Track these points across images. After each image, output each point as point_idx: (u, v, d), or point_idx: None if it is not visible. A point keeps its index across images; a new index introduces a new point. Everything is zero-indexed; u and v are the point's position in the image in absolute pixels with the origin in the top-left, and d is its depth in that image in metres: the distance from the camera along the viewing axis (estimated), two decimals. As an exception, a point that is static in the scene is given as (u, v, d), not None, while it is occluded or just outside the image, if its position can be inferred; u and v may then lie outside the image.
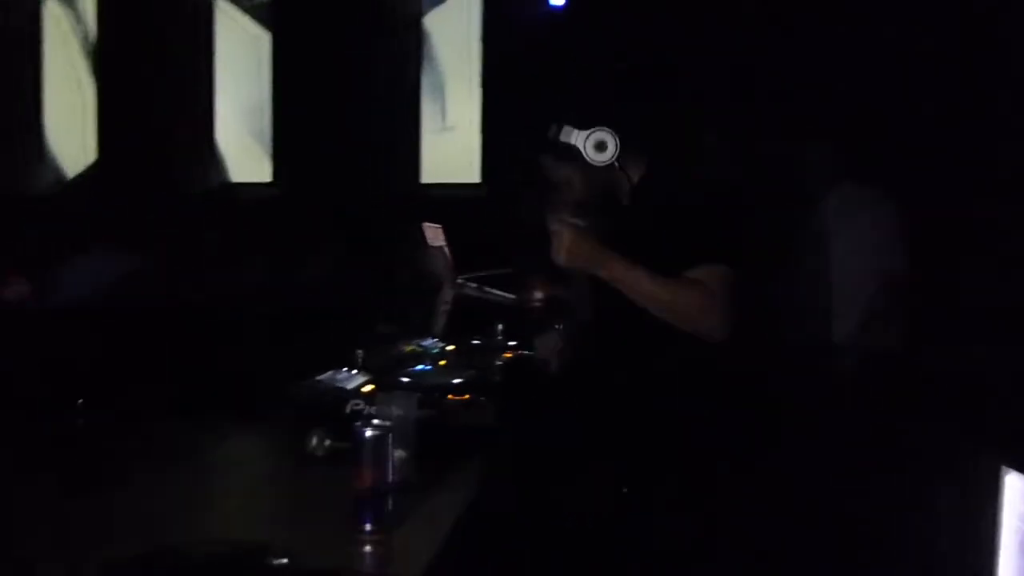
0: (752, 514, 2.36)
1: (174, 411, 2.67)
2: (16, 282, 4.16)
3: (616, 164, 2.35)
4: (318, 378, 2.47)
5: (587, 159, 2.34)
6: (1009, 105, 5.12)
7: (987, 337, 4.89)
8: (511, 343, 3.41)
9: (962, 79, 5.22)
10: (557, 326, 2.80)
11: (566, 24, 6.07)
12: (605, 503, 2.30)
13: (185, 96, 7.35)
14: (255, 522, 1.83)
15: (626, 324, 2.30)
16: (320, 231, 6.20)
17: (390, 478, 1.70)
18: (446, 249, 3.46)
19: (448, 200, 6.64)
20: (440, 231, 3.44)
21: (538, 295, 2.76)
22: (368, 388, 2.40)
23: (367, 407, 2.12)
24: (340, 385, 2.42)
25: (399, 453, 1.82)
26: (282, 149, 7.36)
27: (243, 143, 7.56)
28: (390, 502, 1.70)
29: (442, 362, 3.07)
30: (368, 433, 1.68)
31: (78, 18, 7.71)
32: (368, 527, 1.66)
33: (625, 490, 2.28)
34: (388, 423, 1.74)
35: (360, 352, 2.74)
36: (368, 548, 1.65)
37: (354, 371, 2.56)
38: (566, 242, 2.28)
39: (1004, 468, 1.20)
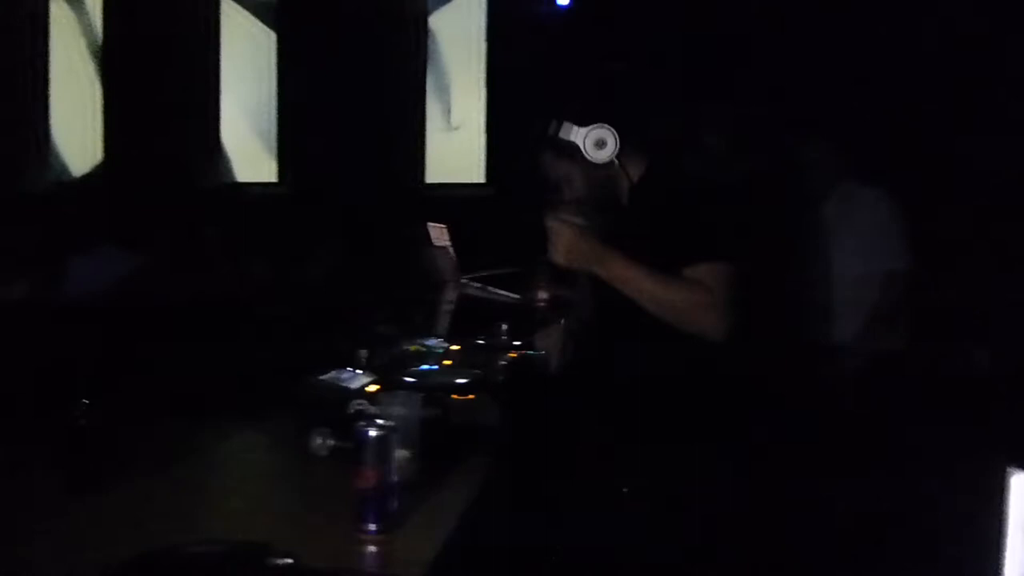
0: (753, 514, 2.36)
1: (176, 410, 2.67)
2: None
3: (616, 162, 2.34)
4: (322, 377, 2.47)
5: (586, 156, 2.33)
6: (1011, 104, 5.11)
7: (991, 336, 4.88)
8: (515, 343, 3.41)
9: (963, 78, 5.21)
10: (559, 322, 2.79)
11: (572, 24, 6.07)
12: (604, 503, 2.29)
13: (191, 96, 7.36)
14: (257, 522, 1.82)
15: (626, 323, 2.29)
16: (324, 231, 6.21)
17: (393, 478, 1.70)
18: (450, 249, 3.46)
19: (453, 200, 6.64)
20: (445, 231, 3.44)
21: (542, 295, 2.76)
22: (372, 388, 2.39)
23: (370, 407, 2.12)
24: (344, 385, 2.41)
25: (402, 453, 1.82)
26: (287, 149, 7.37)
27: (248, 143, 7.56)
28: (393, 502, 1.70)
29: (446, 362, 3.07)
30: (371, 433, 1.68)
31: (84, 17, 7.72)
32: (371, 527, 1.66)
33: (625, 490, 2.27)
34: (391, 423, 1.74)
35: (364, 352, 2.74)
36: (371, 548, 1.65)
37: (358, 371, 2.56)
38: (564, 240, 2.27)
39: (1010, 468, 1.19)
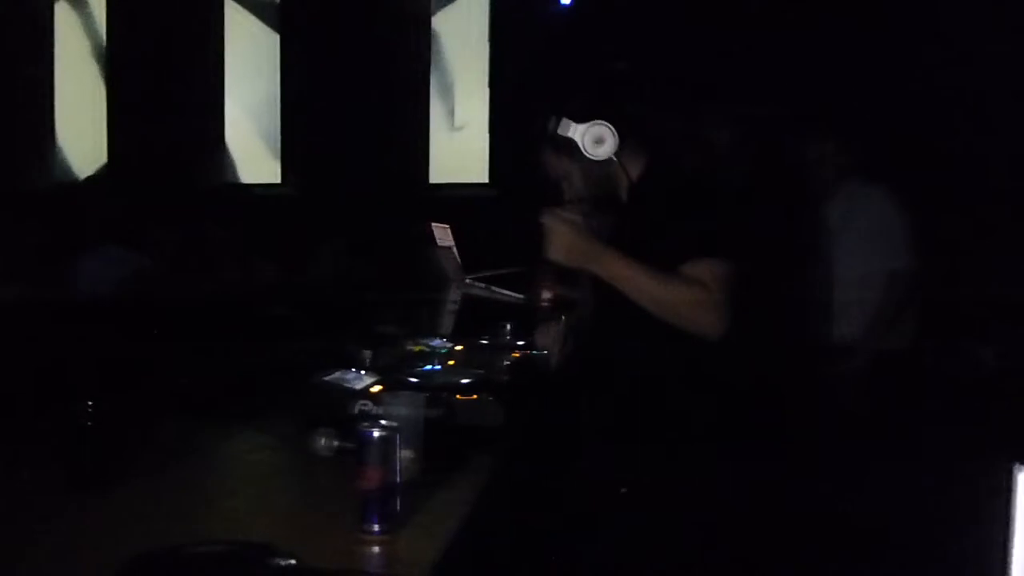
0: (754, 514, 2.35)
1: (180, 410, 2.67)
2: None
3: (615, 159, 2.33)
4: (326, 378, 2.47)
5: (585, 153, 2.32)
6: (1013, 104, 5.11)
7: (996, 334, 4.87)
8: (519, 343, 3.40)
9: (965, 78, 5.21)
10: (558, 319, 2.78)
11: (575, 23, 6.07)
12: (604, 503, 2.28)
13: (194, 96, 7.37)
14: (261, 522, 1.82)
15: (625, 322, 2.28)
16: (328, 231, 6.21)
17: (397, 478, 1.70)
18: (454, 249, 3.45)
19: (456, 200, 6.64)
20: (448, 231, 3.43)
21: (546, 295, 2.75)
22: (376, 388, 2.39)
23: (374, 407, 2.11)
24: (348, 385, 2.41)
25: (406, 453, 1.82)
26: (290, 149, 7.37)
27: (252, 143, 7.57)
28: (396, 502, 1.70)
29: (450, 362, 3.06)
30: (375, 433, 1.67)
31: (88, 19, 7.73)
32: (375, 527, 1.66)
33: (624, 490, 2.26)
34: (395, 423, 1.74)
35: (368, 352, 2.73)
36: (374, 548, 1.65)
37: (362, 371, 2.55)
38: (559, 238, 2.25)
39: (1017, 465, 1.19)
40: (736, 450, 2.25)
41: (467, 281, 3.35)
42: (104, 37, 7.65)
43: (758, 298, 2.39)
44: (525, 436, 2.50)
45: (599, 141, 2.30)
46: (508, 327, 3.60)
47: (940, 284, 3.96)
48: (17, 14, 7.43)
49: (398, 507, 1.70)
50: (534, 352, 3.06)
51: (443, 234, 3.42)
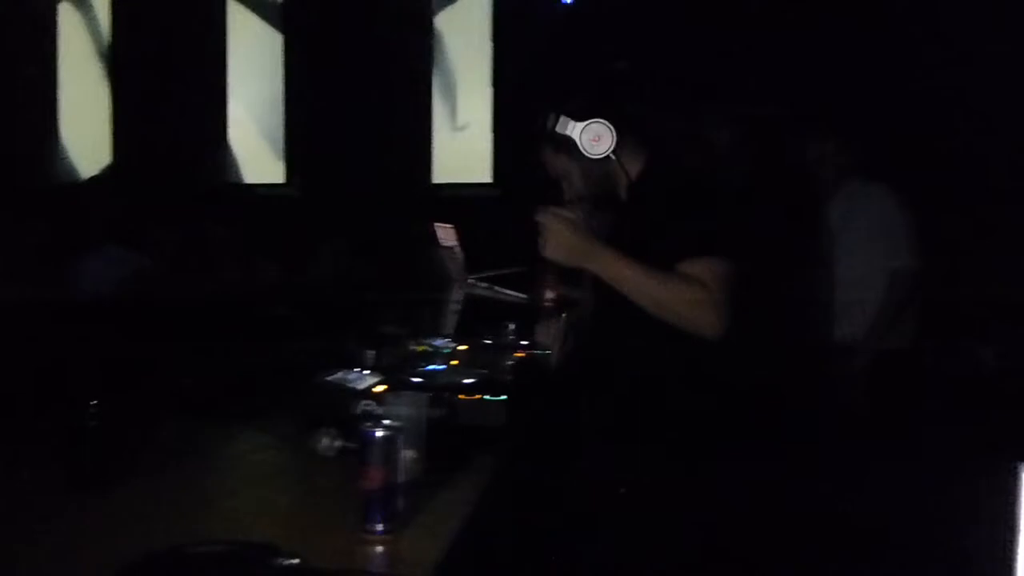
0: (755, 514, 2.35)
1: (183, 410, 2.67)
2: None
3: (613, 158, 2.33)
4: (329, 378, 2.47)
5: (583, 151, 2.31)
6: (1013, 104, 5.10)
7: (996, 334, 4.87)
8: (523, 343, 3.40)
9: (965, 78, 5.20)
10: (560, 316, 2.78)
11: (577, 22, 6.08)
12: (604, 503, 2.28)
13: (198, 96, 7.38)
14: (263, 522, 1.82)
15: (625, 321, 2.27)
16: (331, 231, 6.21)
17: (399, 478, 1.70)
18: (458, 249, 3.45)
19: (460, 200, 6.64)
20: (452, 231, 3.42)
21: (550, 294, 2.75)
22: (379, 388, 2.39)
23: (377, 407, 2.11)
24: (351, 385, 2.41)
25: (409, 453, 1.82)
26: (294, 149, 7.38)
27: (256, 143, 7.58)
28: (399, 502, 1.70)
29: (453, 362, 3.06)
30: (378, 433, 1.67)
31: (92, 19, 7.74)
32: (377, 527, 1.66)
33: (623, 491, 2.26)
34: (398, 423, 1.74)
35: (371, 352, 2.73)
36: (377, 548, 1.65)
37: (365, 371, 2.55)
38: (554, 235, 2.24)
39: (1021, 464, 1.19)
40: (736, 450, 2.24)
41: (470, 281, 3.35)
42: (107, 37, 7.66)
43: (758, 298, 2.38)
44: (528, 436, 2.50)
45: (597, 139, 2.30)
46: (511, 327, 3.60)
47: (940, 284, 3.96)
48: (20, 14, 7.44)
49: (400, 507, 1.70)
50: (537, 352, 3.06)
51: (446, 234, 3.42)
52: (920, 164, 4.78)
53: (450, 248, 3.36)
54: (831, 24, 5.42)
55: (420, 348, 3.14)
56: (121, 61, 7.55)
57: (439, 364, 2.97)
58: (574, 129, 2.31)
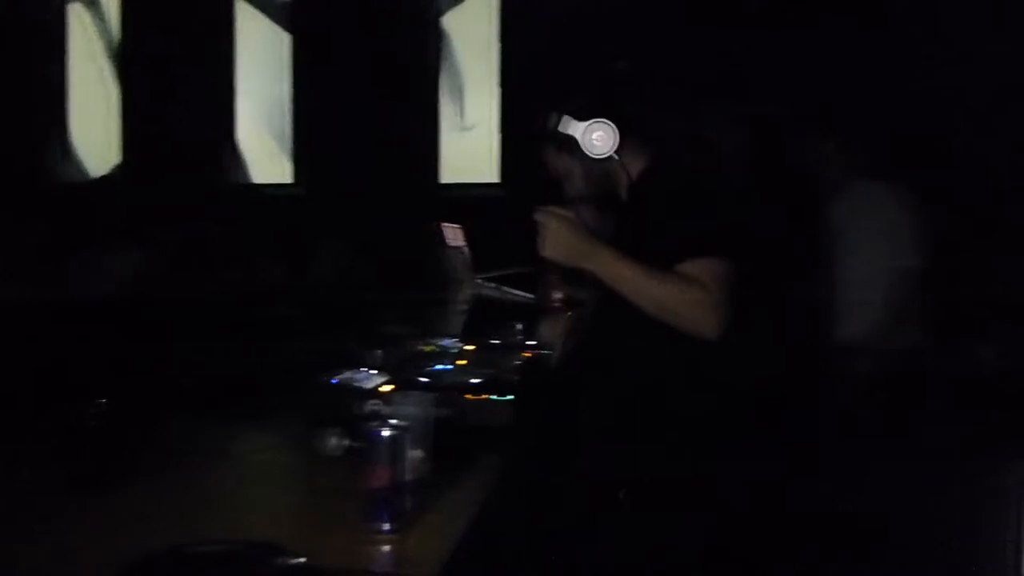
0: (755, 514, 2.34)
1: (189, 409, 2.68)
2: None
3: (615, 157, 2.33)
4: (336, 378, 2.47)
5: (585, 151, 2.31)
6: (1013, 104, 5.09)
7: (996, 334, 4.86)
8: (530, 343, 3.40)
9: (965, 78, 5.19)
10: (564, 314, 2.78)
11: (584, 22, 6.07)
12: (604, 503, 2.28)
13: (206, 96, 7.39)
14: (270, 521, 1.83)
15: (625, 321, 2.26)
16: (339, 231, 6.22)
17: (406, 478, 1.70)
18: (465, 249, 3.45)
19: (467, 199, 6.64)
20: (459, 231, 3.43)
21: (557, 294, 2.74)
22: (386, 388, 2.39)
23: (384, 407, 2.12)
24: (358, 385, 2.41)
25: (415, 453, 1.82)
26: (302, 149, 7.38)
27: (263, 143, 7.59)
28: (406, 502, 1.70)
29: (460, 362, 3.06)
30: (384, 433, 1.68)
31: (101, 18, 7.76)
32: (384, 527, 1.66)
33: (622, 493, 2.25)
34: (405, 423, 1.74)
35: (378, 352, 2.74)
36: (383, 547, 1.65)
37: (372, 371, 2.56)
38: (552, 233, 2.23)
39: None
40: (736, 450, 2.23)
41: (477, 281, 3.35)
42: (116, 37, 7.68)
43: (759, 298, 2.37)
44: (534, 436, 2.50)
45: (599, 139, 2.29)
46: (519, 327, 3.60)
47: (940, 284, 3.95)
48: (30, 14, 7.46)
49: (407, 506, 1.71)
50: (544, 352, 3.06)
51: (454, 234, 3.43)
52: (920, 164, 4.77)
53: (457, 248, 3.36)
54: (831, 24, 5.41)
55: (427, 348, 3.14)
56: (130, 61, 7.57)
57: (446, 364, 2.97)
58: (576, 129, 2.30)
